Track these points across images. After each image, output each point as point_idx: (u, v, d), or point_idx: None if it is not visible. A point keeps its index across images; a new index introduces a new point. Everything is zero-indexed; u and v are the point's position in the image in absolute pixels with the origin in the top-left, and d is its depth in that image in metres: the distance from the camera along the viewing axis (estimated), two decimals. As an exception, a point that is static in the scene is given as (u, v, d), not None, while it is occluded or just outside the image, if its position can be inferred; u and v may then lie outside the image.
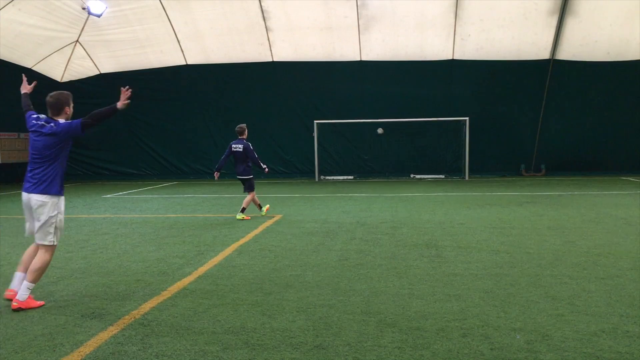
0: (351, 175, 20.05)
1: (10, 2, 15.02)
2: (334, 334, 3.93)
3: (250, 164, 9.85)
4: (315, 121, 19.50)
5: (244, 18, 17.68)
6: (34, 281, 4.65)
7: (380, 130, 18.90)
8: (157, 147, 21.09)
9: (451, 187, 15.96)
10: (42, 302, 4.72)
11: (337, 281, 5.36)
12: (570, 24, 17.07)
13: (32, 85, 5.41)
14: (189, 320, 4.25)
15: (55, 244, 4.75)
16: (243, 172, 9.85)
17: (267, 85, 19.96)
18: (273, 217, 10.07)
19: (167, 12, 17.53)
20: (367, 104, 19.60)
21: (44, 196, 4.63)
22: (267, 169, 10.00)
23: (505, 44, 17.96)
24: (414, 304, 4.58)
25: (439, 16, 17.21)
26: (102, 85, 20.54)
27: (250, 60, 19.53)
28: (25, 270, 4.77)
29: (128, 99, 4.79)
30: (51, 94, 4.93)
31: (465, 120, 18.94)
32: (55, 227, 4.71)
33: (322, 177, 19.71)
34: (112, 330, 4.07)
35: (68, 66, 20.10)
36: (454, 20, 17.29)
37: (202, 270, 5.93)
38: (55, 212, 4.69)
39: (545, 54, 18.24)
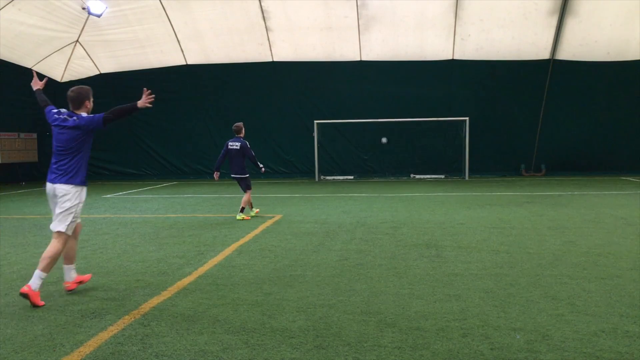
0: (351, 175, 20.05)
1: (10, 2, 15.02)
2: (334, 334, 3.92)
3: (245, 163, 9.81)
4: (315, 121, 19.50)
5: (244, 18, 17.68)
6: (45, 270, 4.75)
7: (384, 140, 18.90)
8: (157, 147, 21.09)
9: (451, 187, 15.96)
10: (43, 303, 4.75)
11: (337, 281, 5.36)
12: (570, 24, 17.07)
13: (44, 81, 5.55)
14: (189, 320, 4.25)
15: (69, 233, 4.92)
16: (239, 171, 9.81)
17: (267, 85, 19.96)
18: (273, 217, 10.07)
19: (167, 12, 17.53)
20: (367, 104, 19.60)
21: (69, 186, 4.86)
22: (263, 169, 9.99)
23: (505, 44, 17.96)
24: (414, 304, 4.58)
25: (439, 16, 17.21)
26: (102, 85, 20.50)
27: (250, 60, 19.54)
28: (70, 262, 5.10)
29: (150, 102, 4.93)
30: (72, 88, 5.09)
31: (465, 120, 18.94)
32: (73, 217, 4.91)
33: (322, 177, 19.72)
34: (112, 330, 4.07)
35: (68, 66, 20.10)
36: (454, 20, 17.29)
37: (202, 270, 5.93)
38: (77, 202, 4.91)
39: (545, 54, 18.24)
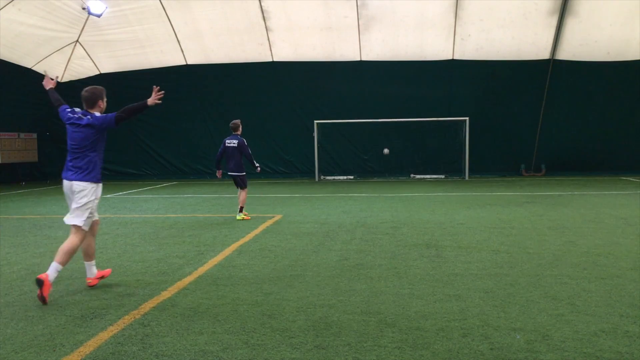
0: (351, 175, 20.05)
1: (10, 2, 15.02)
2: (334, 334, 3.93)
3: (242, 161, 9.79)
4: (315, 121, 19.50)
5: (244, 18, 17.68)
6: (62, 263, 4.88)
7: (386, 151, 18.92)
8: (157, 147, 21.10)
9: (451, 187, 15.96)
10: (47, 302, 4.71)
11: (337, 281, 5.36)
12: (570, 24, 17.07)
13: (55, 79, 5.63)
14: (189, 320, 4.25)
15: (85, 228, 5.07)
16: (235, 169, 9.78)
17: (267, 85, 19.95)
18: (273, 217, 10.07)
19: (167, 12, 17.53)
20: (367, 104, 19.60)
21: (85, 183, 4.98)
22: (259, 168, 9.96)
23: (505, 44, 17.96)
24: (414, 304, 4.58)
25: (439, 16, 17.21)
26: (102, 85, 20.36)
27: (250, 60, 19.53)
28: (89, 259, 5.24)
29: (159, 99, 5.07)
30: (86, 88, 5.23)
31: (465, 120, 18.94)
32: (91, 212, 5.05)
33: (322, 177, 19.72)
34: (112, 330, 4.07)
35: (68, 66, 20.09)
36: (454, 20, 17.30)
37: (202, 270, 5.93)
38: (93, 198, 5.05)
39: (545, 54, 18.25)
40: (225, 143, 9.83)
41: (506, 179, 18.35)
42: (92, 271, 5.27)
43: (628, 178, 17.60)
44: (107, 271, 5.45)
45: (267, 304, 4.66)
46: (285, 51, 19.12)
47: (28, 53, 18.17)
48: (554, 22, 17.10)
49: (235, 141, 9.72)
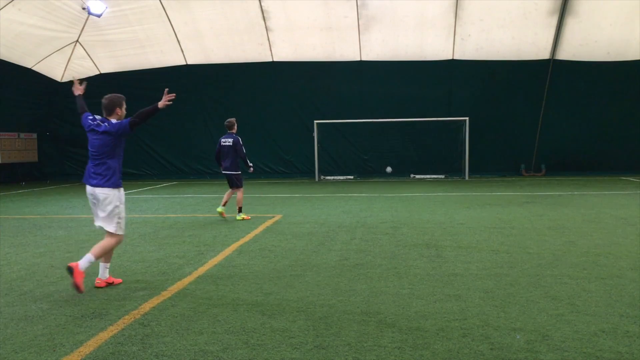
0: (351, 175, 20.05)
1: (10, 2, 15.02)
2: (334, 334, 3.93)
3: (238, 160, 9.74)
4: (315, 121, 19.50)
5: (244, 18, 17.68)
6: (94, 255, 5.05)
7: (389, 169, 18.92)
8: (157, 147, 21.10)
9: (451, 187, 15.96)
10: (83, 289, 4.90)
11: (337, 281, 5.36)
12: (570, 24, 17.07)
13: (83, 85, 5.71)
14: (189, 320, 4.26)
15: (120, 233, 5.23)
16: (231, 168, 9.71)
17: (267, 85, 19.96)
18: (273, 217, 10.07)
19: (167, 12, 17.53)
20: (367, 104, 19.60)
21: (107, 189, 5.12)
22: (252, 169, 9.91)
23: (505, 44, 17.96)
24: (414, 304, 4.58)
25: (439, 16, 17.21)
26: (102, 85, 20.44)
27: (250, 60, 19.54)
28: (106, 260, 5.30)
29: (170, 100, 5.15)
30: (106, 96, 5.35)
31: (465, 120, 18.94)
32: (119, 218, 5.20)
33: (322, 177, 19.71)
34: (112, 330, 4.07)
35: (68, 66, 20.11)
36: (454, 20, 17.29)
37: (202, 270, 5.93)
38: (118, 203, 5.18)
39: (545, 54, 18.25)
40: (220, 142, 9.81)
41: (506, 179, 18.35)
42: (105, 274, 5.31)
43: (628, 178, 17.60)
44: (118, 280, 5.43)
45: (267, 304, 4.66)
46: (285, 51, 19.12)
47: (28, 53, 18.17)
48: (554, 22, 17.10)
49: (230, 140, 9.67)
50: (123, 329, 4.08)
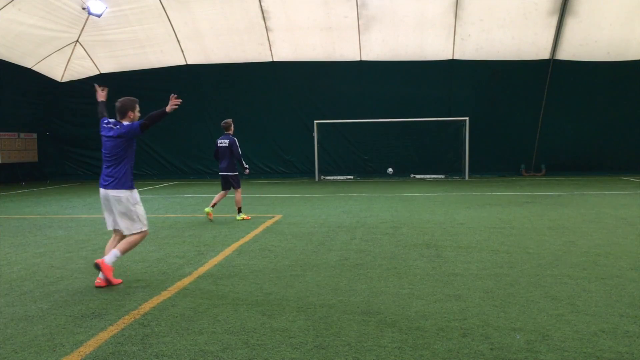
0: (351, 175, 20.05)
1: (10, 2, 15.02)
2: (334, 334, 3.93)
3: (235, 161, 9.71)
4: (315, 121, 19.50)
5: (244, 18, 17.68)
6: (122, 251, 5.30)
7: (390, 171, 18.91)
8: (157, 147, 21.10)
9: (451, 187, 15.96)
10: (119, 280, 5.33)
11: (337, 281, 5.36)
12: (570, 24, 17.07)
13: (105, 92, 5.92)
14: (189, 320, 4.26)
15: (144, 229, 5.41)
16: (227, 169, 9.70)
17: (267, 85, 19.96)
18: (273, 217, 10.07)
19: (167, 12, 17.53)
20: (367, 104, 19.60)
21: (119, 191, 5.27)
22: (247, 170, 9.87)
23: (505, 44, 17.96)
24: (414, 304, 4.58)
25: (439, 16, 17.21)
26: (102, 85, 20.49)
27: (250, 60, 19.54)
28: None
29: (176, 105, 5.31)
30: (119, 99, 5.49)
31: (465, 120, 18.94)
32: (138, 216, 5.34)
33: (322, 177, 19.71)
34: (112, 330, 4.07)
35: (68, 66, 20.11)
36: (454, 20, 17.29)
37: (202, 270, 5.93)
38: (134, 202, 5.33)
39: (545, 54, 18.25)
40: (217, 143, 9.81)
41: (506, 179, 18.35)
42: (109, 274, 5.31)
43: (628, 178, 17.60)
44: (118, 280, 5.41)
45: (267, 304, 4.66)
46: (285, 51, 19.12)
47: (28, 53, 18.18)
48: (554, 22, 17.10)
49: (227, 141, 9.64)
50: (123, 329, 4.08)
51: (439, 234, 7.91)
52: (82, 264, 6.31)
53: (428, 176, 19.51)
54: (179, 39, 18.80)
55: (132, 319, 4.30)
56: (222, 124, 9.87)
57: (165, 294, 4.99)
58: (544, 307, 4.44)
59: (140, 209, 5.39)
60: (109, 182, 5.28)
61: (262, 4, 17.18)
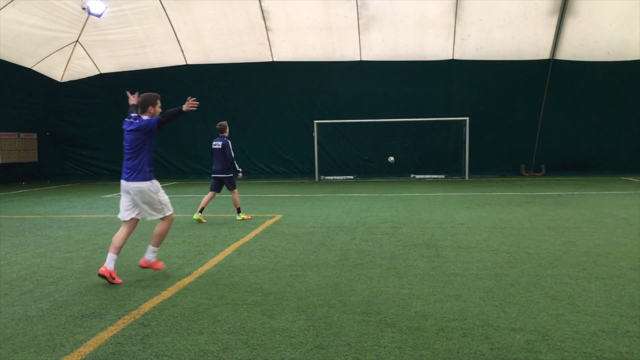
0: (351, 175, 20.05)
1: (10, 2, 15.02)
2: (334, 334, 3.93)
3: (228, 163, 9.62)
4: (315, 121, 19.50)
5: (244, 18, 17.69)
6: (156, 245, 5.65)
7: (391, 159, 18.89)
8: (157, 147, 20.99)
9: (451, 187, 15.96)
10: (163, 265, 5.77)
11: (337, 281, 5.36)
12: (570, 24, 17.07)
13: (135, 95, 5.99)
14: (189, 320, 4.25)
15: (169, 214, 5.71)
16: (222, 171, 9.63)
17: (267, 85, 19.96)
18: (273, 217, 10.07)
19: (167, 12, 17.53)
20: (367, 104, 19.60)
21: (139, 183, 5.47)
22: (240, 174, 9.78)
23: (505, 44, 17.96)
24: (414, 304, 4.58)
25: (439, 16, 17.21)
26: (102, 85, 20.56)
27: (250, 60, 19.53)
28: (116, 252, 5.47)
29: (193, 106, 5.44)
30: (141, 95, 5.71)
31: (465, 120, 18.95)
32: (161, 203, 5.62)
33: (322, 177, 19.71)
34: (112, 330, 4.07)
35: (68, 66, 20.11)
36: (454, 20, 17.30)
37: (202, 270, 5.93)
38: (156, 191, 5.58)
39: (545, 54, 18.24)
40: (212, 145, 9.80)
41: (506, 179, 18.35)
42: (111, 265, 5.42)
43: (628, 178, 17.60)
44: (118, 280, 5.42)
45: (267, 304, 4.66)
46: (285, 51, 19.12)
47: (28, 53, 18.18)
48: (554, 22, 17.10)
49: (220, 143, 9.61)
50: (123, 329, 4.08)
51: (439, 234, 7.91)
52: (82, 264, 6.31)
53: (428, 176, 19.51)
54: (179, 39, 18.80)
55: (132, 319, 4.30)
56: (217, 126, 9.84)
57: (165, 294, 4.99)
58: (544, 307, 4.44)
59: (162, 196, 5.64)
60: (129, 174, 5.47)
61: (262, 4, 17.18)
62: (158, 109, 5.63)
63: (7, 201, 13.67)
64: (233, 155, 9.68)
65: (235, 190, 9.85)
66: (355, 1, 16.92)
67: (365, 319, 4.23)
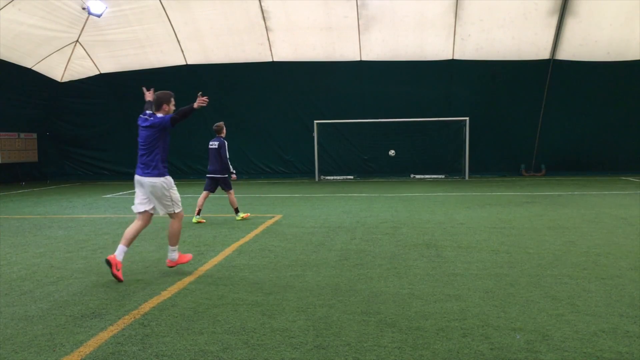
0: (351, 175, 20.05)
1: (10, 2, 15.02)
2: (334, 334, 3.93)
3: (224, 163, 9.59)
4: (315, 121, 19.50)
5: (244, 18, 17.68)
6: (174, 244, 5.85)
7: (392, 152, 18.88)
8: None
9: (451, 187, 15.96)
10: (190, 256, 6.06)
11: (337, 281, 5.36)
12: (570, 24, 17.07)
13: (151, 91, 6.22)
14: (189, 320, 4.26)
15: (178, 211, 5.85)
16: (218, 171, 9.59)
17: (267, 85, 19.95)
18: (273, 217, 10.07)
19: (167, 12, 17.52)
20: (367, 104, 19.60)
21: (153, 178, 5.66)
22: (234, 176, 9.72)
23: (505, 44, 17.95)
24: (414, 304, 4.58)
25: (439, 16, 17.21)
26: (102, 85, 20.55)
27: (250, 60, 19.52)
28: (126, 244, 5.61)
29: (203, 102, 5.57)
30: (156, 92, 5.91)
31: (465, 120, 18.94)
32: (172, 200, 5.76)
33: (322, 177, 19.71)
34: (112, 330, 4.07)
35: (68, 66, 20.10)
36: (454, 20, 17.29)
37: (202, 270, 5.94)
38: (169, 188, 5.74)
39: (545, 54, 18.24)
40: (209, 145, 9.79)
41: (506, 179, 18.35)
42: (120, 255, 5.53)
43: (628, 178, 17.60)
44: (120, 275, 5.46)
45: (267, 304, 4.66)
46: (285, 51, 19.11)
47: (28, 53, 18.17)
48: (554, 22, 17.10)
49: (217, 143, 9.58)
50: (123, 329, 4.08)
51: (439, 234, 7.91)
52: (82, 264, 6.32)
53: (428, 176, 19.52)
54: (179, 39, 18.79)
55: (132, 319, 4.30)
56: (213, 127, 9.79)
57: (165, 294, 4.99)
58: (544, 307, 4.44)
59: (174, 194, 5.80)
60: (144, 169, 5.67)
61: (262, 4, 17.18)
62: (172, 107, 5.79)
63: (7, 201, 13.67)
64: (228, 156, 9.64)
65: (231, 191, 9.82)
66: (355, 1, 16.92)
67: (365, 319, 4.23)
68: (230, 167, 9.69)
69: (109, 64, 20.10)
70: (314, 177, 19.73)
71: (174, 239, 5.84)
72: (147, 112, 5.82)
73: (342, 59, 19.19)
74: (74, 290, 5.18)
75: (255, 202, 12.68)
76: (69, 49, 19.09)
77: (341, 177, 19.84)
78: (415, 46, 18.43)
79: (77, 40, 18.76)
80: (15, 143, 19.52)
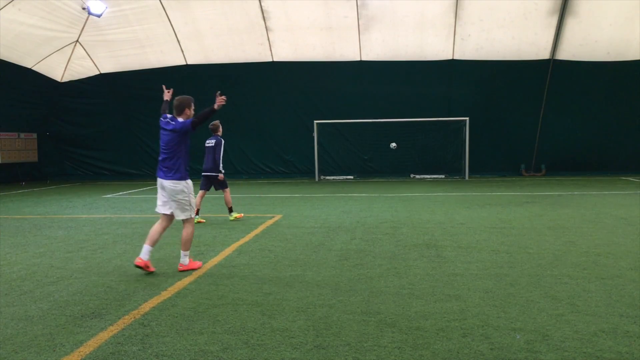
0: (351, 175, 20.05)
1: (10, 2, 15.02)
2: (334, 334, 3.93)
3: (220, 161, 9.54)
4: (315, 121, 19.49)
5: (244, 18, 17.68)
6: (187, 249, 5.91)
7: (393, 145, 18.85)
8: (157, 147, 20.87)
9: (451, 187, 15.96)
10: (200, 263, 6.07)
11: (337, 281, 5.36)
12: (570, 24, 17.07)
13: (170, 91, 6.46)
14: (189, 320, 4.26)
15: (192, 217, 5.93)
16: (213, 169, 9.55)
17: (267, 85, 19.94)
18: (273, 217, 10.07)
19: (167, 12, 17.53)
20: (367, 104, 19.59)
21: (175, 182, 5.76)
22: (222, 175, 9.54)
23: (505, 44, 17.95)
24: (414, 304, 4.58)
25: (439, 16, 17.21)
26: (102, 85, 20.55)
27: (250, 60, 19.52)
28: (151, 244, 5.76)
29: (222, 101, 5.81)
30: (177, 97, 6.02)
31: (465, 120, 18.94)
32: (190, 204, 5.87)
33: (322, 177, 19.71)
34: (112, 330, 4.07)
35: (68, 66, 20.10)
36: (454, 20, 17.29)
37: (202, 270, 5.93)
38: (187, 192, 5.83)
39: (545, 54, 18.24)
40: (205, 143, 9.77)
41: (506, 179, 18.35)
42: (146, 255, 5.70)
43: (628, 178, 17.60)
44: (152, 268, 5.75)
45: (267, 304, 4.66)
46: (285, 51, 19.11)
47: (28, 53, 18.17)
48: (554, 22, 17.10)
49: (213, 141, 9.53)
50: (123, 329, 4.08)
51: (439, 234, 7.91)
52: (82, 264, 6.32)
53: (428, 176, 19.51)
54: (179, 39, 18.79)
55: (132, 319, 4.30)
56: (209, 125, 9.73)
57: (165, 294, 4.99)
58: (544, 307, 4.44)
59: (192, 198, 5.91)
60: (166, 172, 5.76)
61: (262, 4, 17.18)
62: (193, 111, 5.95)
63: (7, 201, 13.67)
64: (221, 155, 9.57)
65: (227, 190, 9.79)
66: (355, 1, 16.92)
67: (365, 319, 4.23)
68: (221, 166, 9.58)
69: (109, 64, 20.10)
70: (314, 177, 19.73)
71: (187, 244, 5.91)
72: (168, 115, 5.92)
73: (342, 59, 19.19)
74: (74, 290, 5.18)
75: (255, 202, 12.68)
76: (69, 49, 19.10)
77: (341, 177, 19.84)
78: (415, 46, 18.43)
79: (77, 40, 18.76)
80: (15, 143, 19.53)
